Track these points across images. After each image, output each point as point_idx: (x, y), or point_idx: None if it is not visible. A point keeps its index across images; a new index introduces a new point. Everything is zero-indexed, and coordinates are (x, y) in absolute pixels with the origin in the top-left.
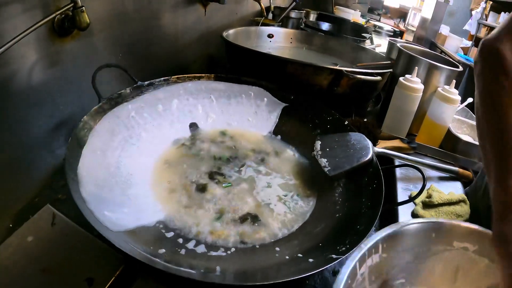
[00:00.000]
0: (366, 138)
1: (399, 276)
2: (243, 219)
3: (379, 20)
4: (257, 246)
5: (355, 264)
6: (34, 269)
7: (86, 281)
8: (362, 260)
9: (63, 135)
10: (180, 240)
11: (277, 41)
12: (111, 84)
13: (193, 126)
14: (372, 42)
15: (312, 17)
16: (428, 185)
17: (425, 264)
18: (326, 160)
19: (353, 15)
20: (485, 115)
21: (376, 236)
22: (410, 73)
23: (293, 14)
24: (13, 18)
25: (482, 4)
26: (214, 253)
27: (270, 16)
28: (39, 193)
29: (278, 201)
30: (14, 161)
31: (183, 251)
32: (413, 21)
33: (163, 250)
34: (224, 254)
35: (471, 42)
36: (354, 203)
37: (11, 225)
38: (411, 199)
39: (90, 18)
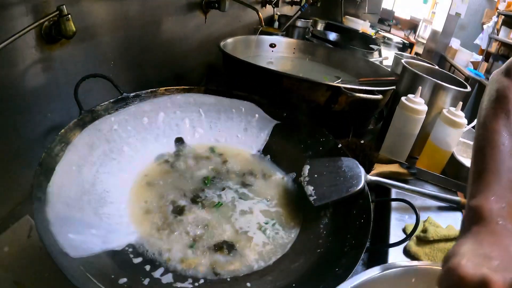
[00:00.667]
0: (359, 165)
1: None
2: (218, 247)
3: (389, 32)
4: (228, 279)
5: None
6: (6, 281)
7: None
8: None
9: (50, 143)
10: (147, 267)
11: (279, 51)
12: (101, 93)
13: (179, 141)
14: (380, 54)
15: (320, 26)
16: (425, 216)
17: None
18: (312, 188)
19: (362, 26)
20: (475, 139)
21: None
22: (414, 91)
23: (299, 23)
24: (3, 24)
25: (494, 18)
26: (180, 285)
27: (276, 25)
28: (21, 202)
29: (257, 229)
30: None
31: (146, 281)
32: (424, 33)
33: (125, 280)
34: (191, 286)
35: (481, 56)
36: (338, 238)
37: None
38: (402, 240)
39: (81, 24)
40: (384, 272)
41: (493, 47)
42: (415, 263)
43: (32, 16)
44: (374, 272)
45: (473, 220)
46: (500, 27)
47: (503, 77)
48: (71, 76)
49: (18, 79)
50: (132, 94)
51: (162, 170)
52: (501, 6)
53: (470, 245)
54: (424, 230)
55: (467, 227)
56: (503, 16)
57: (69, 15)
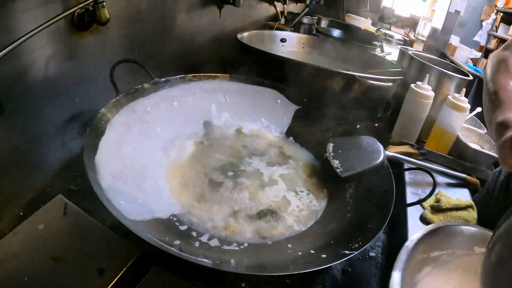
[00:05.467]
0: (377, 141)
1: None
2: (259, 214)
3: (389, 29)
4: (269, 243)
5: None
6: (44, 257)
7: (97, 271)
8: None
9: (76, 128)
10: (194, 233)
11: (289, 45)
12: (124, 79)
13: (207, 124)
14: (382, 50)
15: (324, 23)
16: (436, 190)
17: (448, 269)
18: (338, 161)
19: (364, 23)
20: (486, 91)
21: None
22: (421, 80)
23: (305, 20)
24: (33, 9)
25: (493, 16)
26: (227, 247)
27: (283, 21)
28: (50, 184)
29: (294, 197)
30: (27, 151)
31: (197, 244)
32: (423, 31)
33: (178, 242)
34: (237, 248)
35: (480, 53)
36: (365, 204)
37: (21, 214)
38: (421, 200)
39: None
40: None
41: (492, 44)
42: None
43: (62, 2)
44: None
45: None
46: (499, 24)
47: (502, 51)
48: (98, 63)
49: (47, 64)
50: (163, 79)
51: (195, 150)
52: (500, 4)
53: None
54: (437, 200)
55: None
56: (501, 14)
57: (104, 2)
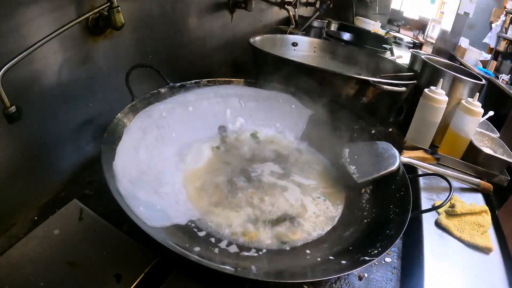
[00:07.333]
0: (393, 147)
1: None
2: (276, 220)
3: (398, 32)
4: (288, 249)
5: None
6: (59, 262)
7: (114, 277)
8: None
9: (91, 132)
10: (212, 240)
11: (301, 49)
12: (137, 84)
13: (222, 128)
14: (392, 54)
15: (334, 26)
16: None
17: None
18: (354, 167)
19: (374, 26)
20: None
21: None
22: (434, 85)
23: (315, 24)
24: (47, 13)
25: (502, 17)
26: (246, 254)
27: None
28: (65, 188)
29: (310, 203)
30: (41, 155)
31: (216, 250)
32: (432, 33)
33: (198, 248)
34: (256, 254)
35: (490, 55)
36: (382, 209)
37: (36, 218)
38: (437, 207)
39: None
40: None
41: (502, 46)
42: None
43: (76, 6)
44: None
45: None
46: (508, 25)
47: None
48: (112, 68)
49: (62, 69)
50: (178, 84)
51: (210, 155)
52: (509, 5)
53: None
54: (452, 206)
55: None
56: (511, 15)
57: (119, 7)
